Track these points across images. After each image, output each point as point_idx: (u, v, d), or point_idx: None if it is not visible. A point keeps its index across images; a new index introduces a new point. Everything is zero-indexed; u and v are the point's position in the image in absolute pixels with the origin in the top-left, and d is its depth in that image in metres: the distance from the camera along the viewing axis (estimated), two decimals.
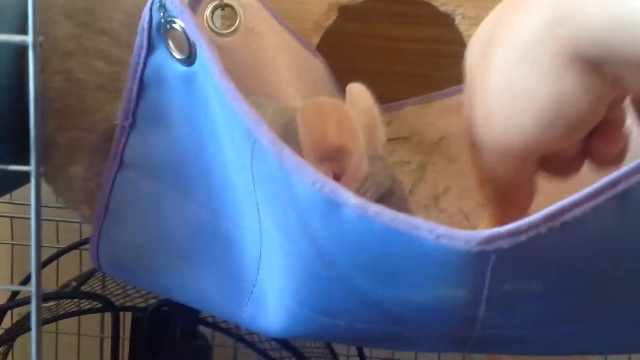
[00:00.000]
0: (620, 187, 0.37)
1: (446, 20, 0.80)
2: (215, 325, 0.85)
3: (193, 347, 0.95)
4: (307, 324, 0.49)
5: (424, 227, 0.39)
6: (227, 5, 0.69)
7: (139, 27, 0.51)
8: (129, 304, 0.87)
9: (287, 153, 0.43)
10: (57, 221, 1.07)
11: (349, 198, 0.40)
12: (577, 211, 0.37)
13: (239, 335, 0.84)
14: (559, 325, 0.46)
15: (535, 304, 0.44)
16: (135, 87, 0.53)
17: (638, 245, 0.41)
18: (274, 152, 0.43)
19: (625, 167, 0.37)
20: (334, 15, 0.81)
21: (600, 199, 0.37)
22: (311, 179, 0.41)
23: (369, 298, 0.45)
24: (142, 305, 0.84)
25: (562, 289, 0.43)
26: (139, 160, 0.55)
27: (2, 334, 0.90)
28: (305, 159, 0.48)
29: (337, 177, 0.53)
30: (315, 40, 0.81)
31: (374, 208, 0.40)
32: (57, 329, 1.12)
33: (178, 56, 0.50)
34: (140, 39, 0.51)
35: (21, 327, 0.84)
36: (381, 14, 0.90)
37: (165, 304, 0.83)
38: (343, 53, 0.86)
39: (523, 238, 0.37)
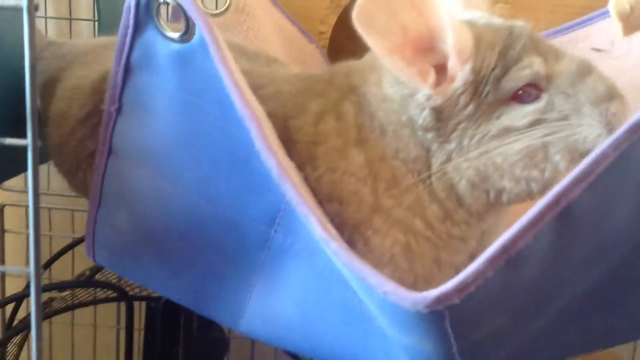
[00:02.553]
0: (561, 205, 0.36)
1: None
2: None
3: (209, 339, 0.94)
4: None
5: (374, 280, 0.38)
6: None
7: (125, 7, 0.48)
8: (144, 294, 0.85)
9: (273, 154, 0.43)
10: (72, 210, 1.06)
11: (316, 228, 0.42)
12: (520, 244, 0.35)
13: None
14: (534, 342, 0.45)
15: (509, 337, 0.43)
16: (121, 71, 0.50)
17: (578, 260, 0.40)
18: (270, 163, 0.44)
19: (561, 184, 0.36)
20: None
21: (542, 224, 0.36)
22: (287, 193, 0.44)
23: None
24: (157, 295, 0.83)
25: (525, 314, 0.42)
26: (128, 147, 0.53)
27: (16, 324, 0.89)
28: (402, 72, 0.48)
29: (442, 69, 0.49)
30: (333, 19, 0.79)
31: (334, 245, 0.41)
32: (73, 319, 1.11)
33: (172, 34, 0.47)
34: (126, 19, 0.49)
35: (44, 310, 0.83)
36: None
37: None
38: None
39: (473, 288, 0.36)
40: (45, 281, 0.91)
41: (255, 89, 0.52)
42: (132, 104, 0.51)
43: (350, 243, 0.48)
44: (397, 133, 0.51)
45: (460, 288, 0.36)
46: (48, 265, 0.96)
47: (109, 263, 0.60)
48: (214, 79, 0.46)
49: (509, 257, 0.35)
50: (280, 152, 0.47)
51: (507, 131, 0.48)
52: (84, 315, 1.11)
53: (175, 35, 0.47)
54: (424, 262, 0.50)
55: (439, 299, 0.36)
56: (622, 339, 0.52)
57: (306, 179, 0.50)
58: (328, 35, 0.85)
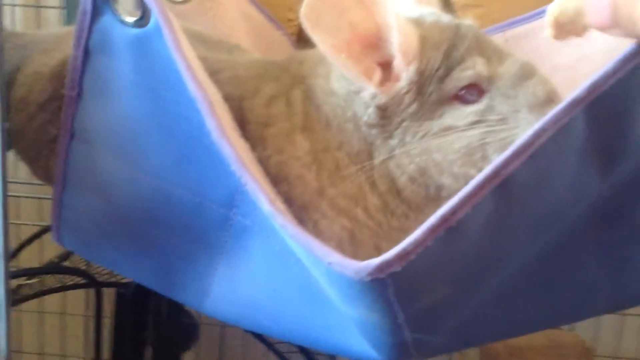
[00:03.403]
0: (501, 177, 0.37)
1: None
2: None
3: (179, 325, 0.94)
4: None
5: (319, 250, 0.40)
6: None
7: None
8: (112, 280, 0.85)
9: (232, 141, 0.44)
10: (40, 198, 1.06)
11: (264, 203, 0.43)
12: (460, 214, 0.37)
13: None
14: (482, 316, 0.46)
15: (455, 308, 0.44)
16: (80, 55, 0.51)
17: (519, 230, 0.42)
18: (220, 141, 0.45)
19: (501, 157, 0.37)
20: None
21: (480, 195, 0.37)
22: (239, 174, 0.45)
23: None
24: (127, 281, 0.83)
25: (469, 284, 0.43)
26: (90, 130, 0.53)
27: None
28: (348, 70, 0.49)
29: (387, 67, 0.50)
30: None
31: (281, 219, 0.42)
32: (42, 308, 1.11)
33: (128, 19, 0.48)
34: (84, 5, 0.50)
35: (12, 297, 0.82)
36: None
37: None
38: None
39: (413, 256, 0.37)
40: (13, 270, 0.91)
41: (213, 73, 0.52)
42: (92, 88, 0.52)
43: (300, 224, 0.48)
44: (341, 127, 0.52)
45: (401, 256, 0.37)
46: (16, 253, 0.96)
47: (76, 246, 0.60)
48: (169, 64, 0.47)
49: (449, 226, 0.37)
50: (234, 133, 0.48)
51: (448, 130, 0.49)
52: (53, 303, 1.11)
53: (132, 20, 0.48)
54: (366, 249, 0.52)
55: (381, 267, 0.37)
56: (570, 317, 0.53)
57: (258, 160, 0.51)
58: (297, 22, 0.85)
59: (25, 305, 1.08)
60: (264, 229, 0.48)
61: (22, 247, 0.96)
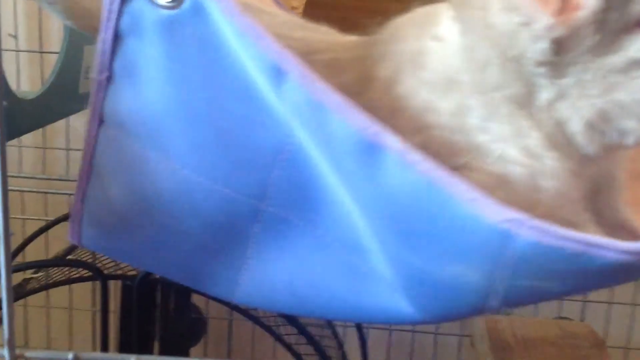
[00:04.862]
0: None
1: None
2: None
3: (187, 320, 0.94)
4: None
5: (462, 186, 0.37)
6: None
7: None
8: (118, 272, 0.84)
9: (329, 92, 0.40)
10: (46, 193, 1.05)
11: (394, 142, 0.38)
12: None
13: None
14: None
15: (542, 299, 0.42)
16: (109, 38, 0.49)
17: None
18: (312, 91, 0.41)
19: None
20: None
21: None
22: (356, 120, 0.40)
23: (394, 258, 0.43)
24: (132, 273, 0.82)
25: None
26: (120, 117, 0.52)
27: None
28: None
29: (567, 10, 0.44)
30: None
31: (416, 155, 0.38)
32: (48, 302, 1.10)
33: (162, 1, 0.46)
34: None
35: (18, 291, 0.82)
36: None
37: None
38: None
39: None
40: (18, 263, 0.90)
41: (308, 54, 0.51)
42: (122, 73, 0.50)
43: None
44: (502, 67, 0.46)
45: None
46: (21, 248, 0.95)
47: (96, 242, 0.58)
48: (206, 47, 0.46)
49: None
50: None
51: (636, 64, 0.44)
52: (59, 298, 1.11)
53: (164, 1, 0.46)
54: (522, 190, 0.46)
55: (521, 220, 0.36)
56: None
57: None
58: (300, 10, 0.84)
59: (32, 301, 1.08)
60: (302, 218, 0.47)
61: (27, 242, 0.96)
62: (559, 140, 0.47)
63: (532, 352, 0.92)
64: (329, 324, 0.99)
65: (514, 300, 0.40)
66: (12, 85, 1.00)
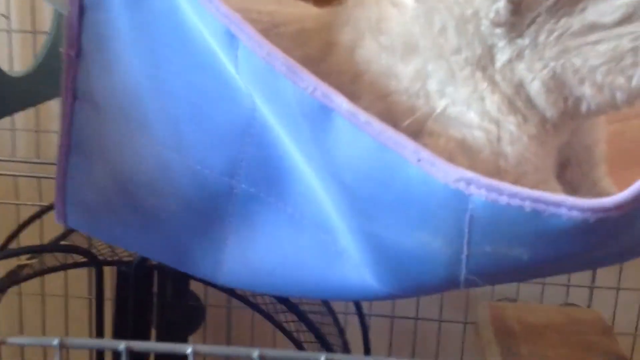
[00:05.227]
0: None
1: None
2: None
3: (184, 307, 0.92)
4: None
5: (410, 147, 0.36)
6: None
7: None
8: (114, 258, 0.83)
9: (276, 54, 0.39)
10: (39, 177, 1.03)
11: (342, 102, 0.37)
12: None
13: (231, 289, 0.80)
14: None
15: (517, 271, 0.40)
16: (75, 11, 0.48)
17: None
18: (261, 55, 0.39)
19: None
20: None
21: None
22: (303, 82, 0.38)
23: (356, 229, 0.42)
24: (128, 259, 0.80)
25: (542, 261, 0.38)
26: (94, 92, 0.51)
27: None
28: None
29: None
30: None
31: (365, 116, 0.37)
32: (43, 290, 1.09)
33: None
34: None
35: (12, 277, 0.80)
36: None
37: None
38: None
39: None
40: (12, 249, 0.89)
41: (276, 26, 0.50)
42: (91, 47, 0.49)
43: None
44: (459, 29, 0.45)
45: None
46: (15, 234, 0.94)
47: (80, 223, 0.57)
48: (169, 19, 0.45)
49: None
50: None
51: (591, 28, 0.42)
52: (55, 286, 1.09)
53: None
54: (484, 156, 0.46)
55: (472, 179, 0.35)
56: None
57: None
58: None
59: (27, 288, 1.06)
60: (272, 194, 0.46)
61: (21, 228, 0.94)
62: (520, 104, 0.45)
63: (537, 339, 0.90)
64: (330, 311, 0.97)
65: (484, 270, 0.38)
66: (5, 66, 0.98)
